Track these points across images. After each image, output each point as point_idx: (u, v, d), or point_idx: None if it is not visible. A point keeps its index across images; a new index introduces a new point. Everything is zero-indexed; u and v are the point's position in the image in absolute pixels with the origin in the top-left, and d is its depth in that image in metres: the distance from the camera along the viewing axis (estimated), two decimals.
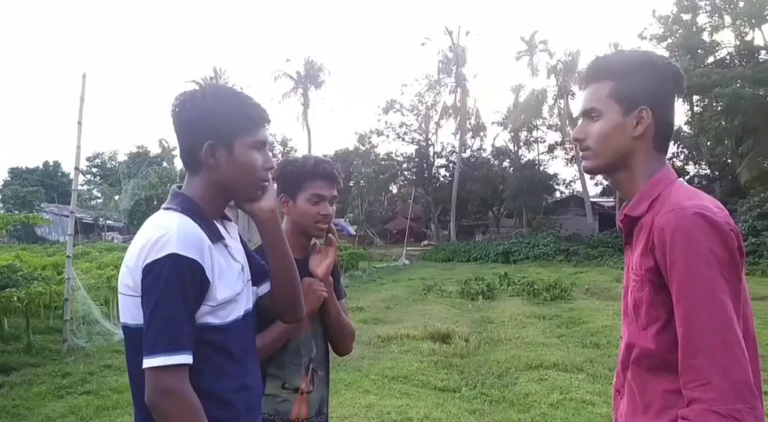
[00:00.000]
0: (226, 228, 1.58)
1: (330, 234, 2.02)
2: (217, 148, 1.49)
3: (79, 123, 8.04)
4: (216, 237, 1.48)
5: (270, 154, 1.60)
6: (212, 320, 1.43)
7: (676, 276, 1.23)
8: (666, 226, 1.26)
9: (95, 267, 13.40)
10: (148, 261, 1.36)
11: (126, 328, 1.44)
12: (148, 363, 1.32)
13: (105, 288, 9.93)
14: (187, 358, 1.34)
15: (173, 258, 1.35)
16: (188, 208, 1.47)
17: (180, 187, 1.57)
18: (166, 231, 1.38)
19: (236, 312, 1.49)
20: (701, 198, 1.33)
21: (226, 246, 1.51)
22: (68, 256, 7.91)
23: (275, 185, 1.99)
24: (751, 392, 1.16)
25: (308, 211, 1.97)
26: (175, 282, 1.34)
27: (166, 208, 1.49)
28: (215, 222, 1.53)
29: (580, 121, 1.50)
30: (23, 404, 5.56)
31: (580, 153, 1.50)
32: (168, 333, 1.33)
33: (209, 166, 1.50)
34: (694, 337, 1.20)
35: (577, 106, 1.53)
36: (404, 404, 5.37)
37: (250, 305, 1.59)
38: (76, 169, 8.24)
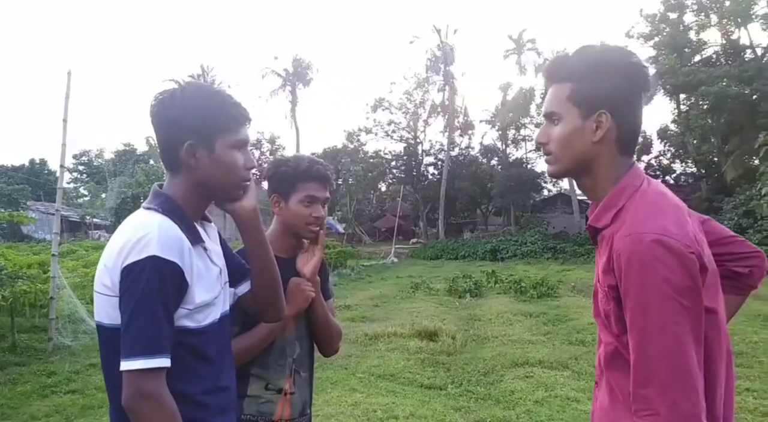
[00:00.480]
0: (205, 230, 1.57)
1: (320, 232, 2.01)
2: (198, 148, 1.47)
3: (65, 120, 7.98)
4: (196, 239, 1.47)
5: (251, 154, 1.58)
6: (189, 323, 1.42)
7: (629, 305, 1.22)
8: (623, 253, 1.23)
9: (81, 265, 13.31)
10: (128, 262, 1.35)
11: (101, 327, 1.43)
12: (126, 365, 1.32)
13: (91, 287, 9.84)
14: (165, 362, 1.33)
15: (154, 261, 1.34)
16: (169, 209, 1.46)
17: (161, 186, 1.55)
18: (146, 233, 1.37)
19: (213, 315, 1.48)
20: (663, 213, 1.27)
21: (205, 249, 1.50)
22: (53, 255, 7.86)
23: (266, 184, 2.01)
24: (696, 417, 1.16)
25: (300, 212, 1.95)
26: (155, 284, 1.33)
27: (147, 208, 1.47)
28: (195, 224, 1.51)
29: (543, 125, 1.46)
30: (7, 403, 5.53)
31: (544, 157, 1.47)
32: (147, 337, 1.32)
33: (190, 166, 1.48)
34: (645, 368, 1.19)
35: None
36: (390, 402, 5.38)
37: (227, 307, 1.58)
38: (62, 166, 8.18)
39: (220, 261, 1.57)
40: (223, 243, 1.67)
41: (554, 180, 47.62)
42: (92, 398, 5.62)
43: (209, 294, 1.47)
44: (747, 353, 7.18)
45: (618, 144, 1.37)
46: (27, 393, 5.83)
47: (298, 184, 1.95)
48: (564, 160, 1.40)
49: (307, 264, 1.96)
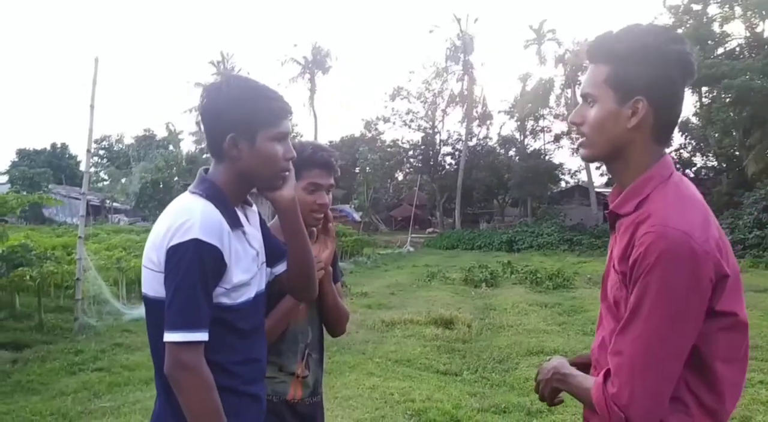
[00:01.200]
0: (246, 214, 1.68)
1: (329, 225, 2.06)
2: (239, 140, 1.56)
3: (92, 106, 8.15)
4: (235, 224, 1.57)
5: (291, 145, 1.67)
6: (225, 300, 1.54)
7: (638, 291, 1.25)
8: (644, 243, 1.24)
9: (104, 248, 13.56)
10: (173, 243, 1.46)
11: (146, 298, 1.56)
12: (168, 337, 1.45)
13: (114, 269, 10.09)
14: (203, 336, 1.46)
15: (195, 243, 1.45)
16: (212, 195, 1.56)
17: (206, 171, 1.65)
18: (190, 217, 1.48)
19: (247, 294, 1.59)
20: (691, 212, 1.29)
21: (244, 233, 1.60)
22: (79, 237, 8.06)
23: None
24: (641, 415, 1.23)
25: (304, 199, 1.95)
26: (196, 265, 1.45)
27: (193, 193, 1.58)
28: (236, 209, 1.62)
29: (578, 106, 1.43)
30: (37, 379, 5.74)
31: (578, 139, 1.47)
32: (187, 313, 1.44)
33: (231, 157, 1.58)
34: (632, 346, 1.25)
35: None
36: (407, 386, 5.51)
37: (263, 286, 1.69)
38: (89, 151, 8.37)
39: (258, 244, 1.68)
40: (263, 225, 1.78)
41: (572, 171, 47.57)
42: (118, 375, 5.81)
43: (246, 274, 1.58)
44: (762, 347, 7.22)
45: (654, 132, 1.35)
46: (56, 369, 6.04)
47: (302, 171, 1.96)
48: (598, 145, 1.40)
49: (321, 254, 2.01)
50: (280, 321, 1.94)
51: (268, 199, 1.70)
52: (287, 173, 1.67)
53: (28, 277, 7.82)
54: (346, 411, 4.81)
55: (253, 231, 1.68)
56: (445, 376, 6.06)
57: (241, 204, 1.68)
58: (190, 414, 1.46)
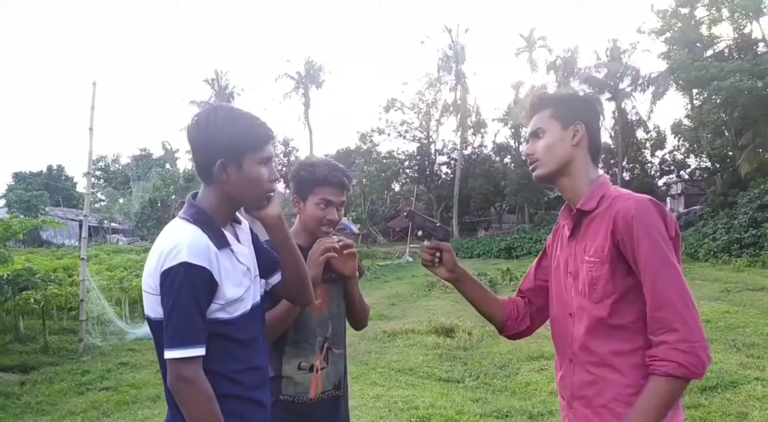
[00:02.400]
0: (235, 232, 1.80)
1: (353, 249, 2.21)
2: (228, 165, 1.68)
3: (90, 129, 8.26)
4: (222, 244, 1.68)
5: (274, 167, 1.80)
6: (222, 315, 1.66)
7: (641, 250, 1.51)
8: (629, 210, 1.54)
9: (105, 269, 13.64)
10: (164, 268, 1.58)
11: (149, 320, 1.69)
12: (168, 354, 1.56)
13: (117, 290, 10.18)
14: (200, 351, 1.57)
15: (185, 266, 1.57)
16: (199, 219, 1.68)
17: (195, 196, 1.78)
18: (178, 242, 1.60)
19: (243, 307, 1.71)
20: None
21: (232, 251, 1.72)
22: (82, 258, 8.15)
23: (290, 187, 2.24)
24: (702, 334, 1.47)
25: (316, 214, 2.14)
26: (187, 286, 1.56)
27: (182, 218, 1.71)
28: (223, 229, 1.73)
29: (528, 142, 1.79)
30: (46, 400, 5.83)
31: (531, 165, 1.77)
32: (183, 331, 1.56)
33: (221, 180, 1.70)
34: (660, 296, 1.48)
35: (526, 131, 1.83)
36: (411, 394, 5.61)
37: (258, 298, 1.80)
38: (88, 173, 8.49)
39: (247, 259, 1.78)
40: (255, 240, 1.89)
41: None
42: (125, 394, 5.89)
43: (239, 289, 1.69)
44: (759, 344, 7.32)
45: (590, 151, 1.73)
46: (63, 390, 6.13)
47: (316, 187, 2.14)
48: (549, 164, 1.72)
49: (346, 266, 2.18)
50: (278, 323, 2.03)
51: (254, 217, 1.82)
52: (272, 193, 1.79)
53: (32, 300, 7.91)
54: (351, 419, 4.89)
55: (242, 248, 1.78)
56: (448, 383, 6.16)
57: (230, 222, 1.79)
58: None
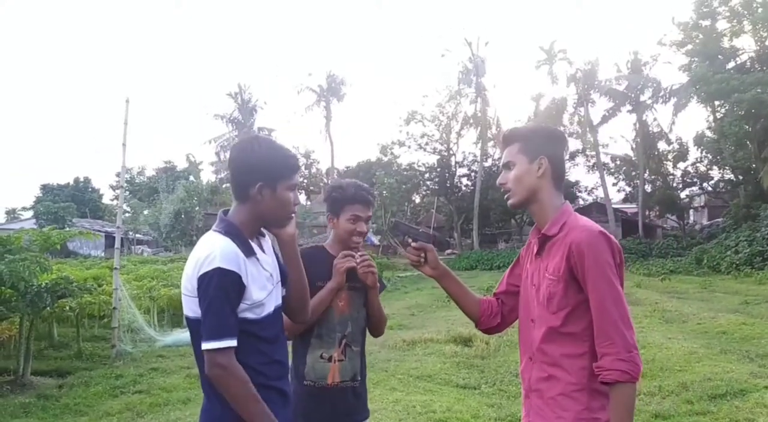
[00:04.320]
0: (261, 243, 2.09)
1: (372, 268, 2.57)
2: (264, 188, 1.99)
3: (124, 145, 8.70)
4: (249, 252, 1.97)
5: (298, 194, 2.13)
6: (249, 315, 1.94)
7: (589, 276, 1.79)
8: (582, 240, 1.83)
9: (133, 278, 14.06)
10: (201, 272, 1.86)
11: (188, 319, 1.98)
12: (204, 346, 1.84)
13: (146, 298, 10.56)
14: (232, 342, 1.85)
15: (219, 271, 1.84)
16: (230, 231, 1.97)
17: (226, 212, 2.08)
18: (212, 250, 1.88)
19: (267, 309, 1.99)
20: (596, 224, 1.92)
21: (258, 259, 2.01)
22: (115, 268, 8.56)
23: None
24: (636, 347, 1.77)
25: (347, 227, 2.54)
26: (221, 287, 1.84)
27: (215, 231, 2.00)
28: (250, 241, 2.03)
29: (502, 173, 2.05)
30: (83, 402, 6.17)
31: (505, 195, 2.04)
32: (217, 325, 1.83)
33: (256, 200, 2.00)
34: (604, 316, 1.78)
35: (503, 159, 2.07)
36: (428, 399, 5.85)
37: (279, 301, 2.10)
38: (121, 187, 8.93)
39: (270, 267, 2.08)
40: (275, 254, 2.20)
41: (589, 188, 47.74)
42: (158, 397, 6.21)
43: (263, 292, 1.98)
44: None
45: (554, 179, 1.99)
46: (99, 393, 6.47)
47: (346, 205, 2.54)
48: (519, 193, 1.99)
49: (368, 278, 2.55)
50: (315, 310, 2.40)
51: (273, 233, 2.16)
52: (294, 215, 2.11)
53: (68, 308, 8.30)
54: None
55: (266, 257, 2.09)
56: (465, 390, 6.39)
57: (256, 236, 2.09)
58: (235, 404, 1.86)
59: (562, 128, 42.51)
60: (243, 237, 1.98)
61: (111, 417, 5.68)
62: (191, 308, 1.93)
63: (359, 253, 2.56)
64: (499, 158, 2.34)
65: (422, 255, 2.24)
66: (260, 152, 2.01)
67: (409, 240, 2.25)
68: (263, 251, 2.07)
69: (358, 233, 2.56)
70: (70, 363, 8.20)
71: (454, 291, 2.35)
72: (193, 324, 1.95)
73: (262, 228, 2.12)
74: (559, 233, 1.92)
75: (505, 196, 2.05)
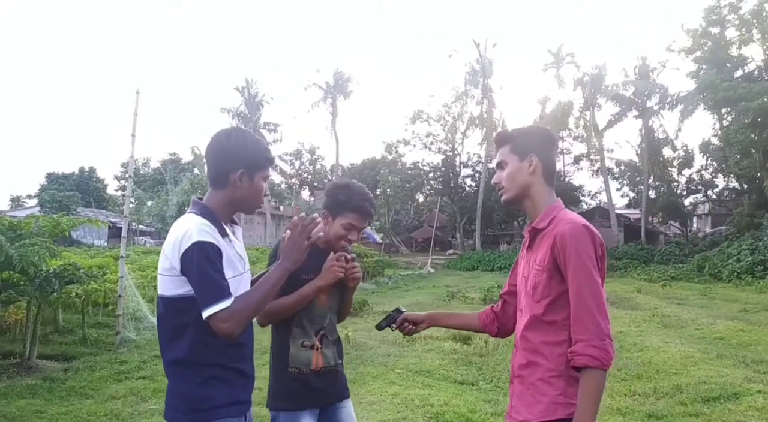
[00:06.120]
0: (233, 230, 2.20)
1: (354, 269, 2.64)
2: (244, 176, 2.11)
3: (133, 136, 8.81)
4: (223, 233, 2.08)
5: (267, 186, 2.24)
6: None
7: (570, 265, 1.89)
8: (566, 233, 1.92)
9: (136, 268, 14.19)
10: (182, 251, 1.95)
11: (163, 298, 2.05)
12: (206, 313, 1.91)
13: (150, 288, 10.67)
14: (229, 301, 1.93)
15: (198, 244, 1.94)
16: (205, 213, 2.07)
17: (200, 198, 2.17)
18: (188, 229, 1.97)
19: (236, 292, 2.01)
20: (584, 219, 2.00)
21: (230, 241, 2.12)
22: (121, 256, 8.68)
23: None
24: (610, 335, 1.85)
25: (339, 232, 2.56)
26: (204, 258, 1.93)
27: (190, 212, 2.11)
28: (224, 224, 2.13)
29: (496, 172, 2.18)
30: (88, 386, 6.29)
31: (499, 192, 2.16)
32: (212, 291, 1.92)
33: (236, 186, 2.11)
34: (581, 304, 1.86)
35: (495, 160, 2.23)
36: (426, 393, 5.95)
37: (248, 287, 2.17)
38: (129, 177, 9.05)
39: (242, 252, 2.19)
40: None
41: (592, 193, 47.73)
42: (161, 383, 6.30)
43: (233, 272, 2.07)
44: (767, 361, 7.51)
45: (544, 176, 2.09)
46: (104, 377, 6.59)
47: (346, 211, 2.55)
48: (512, 190, 2.11)
49: (353, 282, 2.65)
50: (295, 303, 2.50)
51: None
52: (262, 205, 2.23)
53: (74, 294, 8.42)
54: (370, 413, 5.27)
55: (238, 243, 2.20)
56: (462, 385, 6.49)
57: (228, 222, 2.19)
58: (261, 307, 2.05)
59: (567, 132, 42.72)
60: (217, 219, 2.08)
61: (116, 400, 5.80)
62: (168, 287, 2.02)
63: (350, 256, 2.62)
64: None
65: (408, 325, 2.48)
66: (243, 142, 2.13)
67: (393, 327, 2.51)
68: (235, 237, 2.17)
69: (348, 240, 2.59)
70: (74, 349, 8.33)
71: (452, 323, 2.65)
72: (169, 302, 2.03)
73: (234, 217, 2.23)
74: (548, 226, 2.03)
75: (499, 193, 2.18)
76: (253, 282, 2.23)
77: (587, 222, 1.96)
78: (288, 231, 2.22)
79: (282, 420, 2.52)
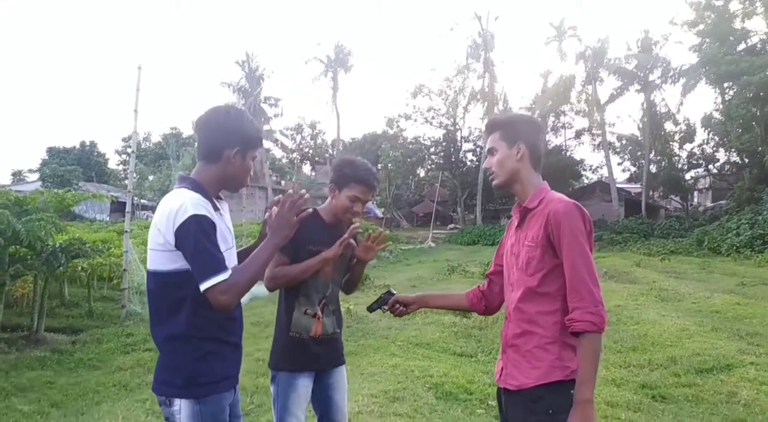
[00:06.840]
0: (221, 205, 2.23)
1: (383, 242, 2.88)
2: (239, 154, 2.15)
3: (135, 111, 8.86)
4: (214, 207, 2.12)
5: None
6: None
7: (564, 241, 2.04)
8: (559, 211, 2.07)
9: (140, 242, 14.31)
10: (178, 224, 1.94)
11: (154, 273, 2.05)
12: (204, 286, 1.92)
13: None
14: (227, 274, 1.95)
15: (194, 217, 1.95)
16: (196, 188, 2.07)
17: (187, 175, 2.18)
18: (183, 202, 1.98)
19: (231, 263, 2.08)
20: (569, 198, 2.16)
21: (221, 215, 2.17)
22: (126, 231, 8.80)
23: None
24: (602, 303, 2.00)
25: (345, 204, 2.72)
26: (201, 231, 1.95)
27: (181, 187, 2.12)
28: (213, 199, 2.16)
29: (487, 158, 2.29)
30: (96, 357, 6.46)
31: (490, 177, 2.28)
32: (209, 264, 1.94)
33: (229, 162, 2.15)
34: (576, 275, 2.02)
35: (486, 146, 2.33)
36: (426, 365, 6.10)
37: (236, 263, 2.18)
38: (133, 152, 9.11)
39: (230, 227, 2.25)
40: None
41: (593, 167, 47.69)
42: None
43: (224, 245, 2.11)
44: (762, 334, 7.65)
45: (531, 161, 2.24)
46: (111, 349, 6.75)
47: (352, 183, 2.71)
48: (502, 175, 2.25)
49: (368, 254, 2.88)
50: (300, 272, 2.66)
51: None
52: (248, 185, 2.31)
53: (80, 268, 8.55)
54: (371, 383, 5.41)
55: (227, 216, 2.25)
56: (461, 357, 6.64)
57: (215, 199, 2.21)
58: (254, 280, 2.03)
59: (569, 106, 42.54)
60: (209, 194, 2.11)
61: (123, 371, 5.95)
62: (161, 262, 2.02)
63: (379, 230, 2.80)
64: None
65: (399, 307, 2.60)
66: (239, 120, 2.19)
67: (385, 309, 2.60)
68: (223, 210, 2.22)
69: (354, 213, 2.75)
70: (81, 322, 8.50)
71: (442, 304, 2.82)
72: (161, 277, 2.03)
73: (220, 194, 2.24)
74: (538, 206, 2.17)
75: (490, 178, 2.31)
76: (240, 255, 2.30)
77: (576, 202, 2.11)
78: (274, 208, 2.20)
79: (281, 379, 2.70)
